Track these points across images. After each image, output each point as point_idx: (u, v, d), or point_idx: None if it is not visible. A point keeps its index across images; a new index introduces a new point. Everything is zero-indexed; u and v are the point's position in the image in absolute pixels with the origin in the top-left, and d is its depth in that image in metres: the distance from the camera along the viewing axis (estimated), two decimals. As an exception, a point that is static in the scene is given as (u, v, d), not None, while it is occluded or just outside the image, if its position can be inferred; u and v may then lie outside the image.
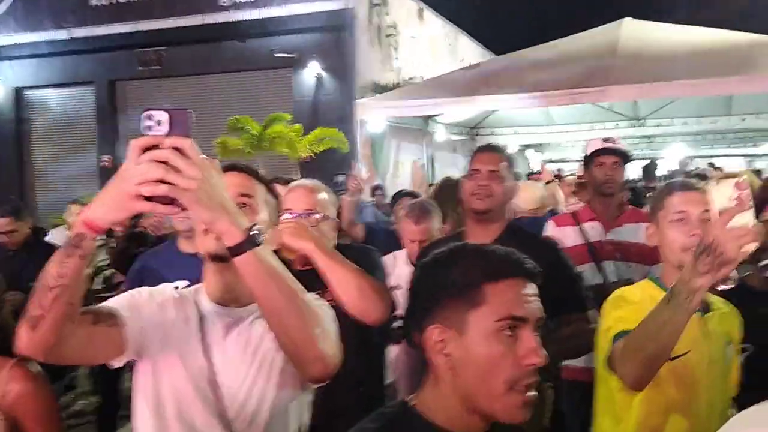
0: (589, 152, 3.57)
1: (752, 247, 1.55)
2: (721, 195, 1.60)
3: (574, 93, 9.16)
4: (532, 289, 1.28)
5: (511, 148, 15.77)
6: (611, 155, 3.50)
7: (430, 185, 5.42)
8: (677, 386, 1.93)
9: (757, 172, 13.44)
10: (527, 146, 18.22)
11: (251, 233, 1.34)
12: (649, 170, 8.16)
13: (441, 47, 19.35)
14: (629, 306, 1.97)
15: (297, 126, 11.79)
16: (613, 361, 1.88)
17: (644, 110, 12.32)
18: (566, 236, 3.46)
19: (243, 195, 1.69)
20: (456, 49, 20.67)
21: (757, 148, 21.90)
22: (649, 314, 1.72)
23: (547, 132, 13.88)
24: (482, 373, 1.22)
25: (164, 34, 14.35)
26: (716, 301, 2.11)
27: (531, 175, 9.80)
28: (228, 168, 1.75)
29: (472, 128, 14.06)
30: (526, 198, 4.80)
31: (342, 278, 2.31)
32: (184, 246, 3.08)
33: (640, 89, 9.02)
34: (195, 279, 1.80)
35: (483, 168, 2.67)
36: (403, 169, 15.77)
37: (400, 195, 5.23)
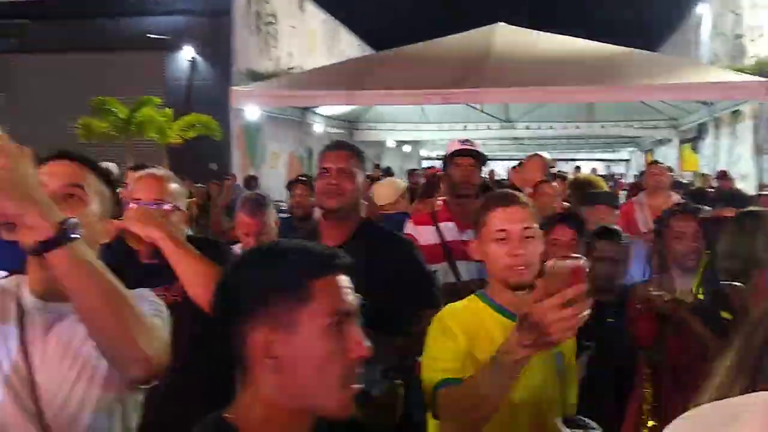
0: (447, 153, 3.65)
1: (574, 330, 1.53)
2: (553, 278, 1.54)
3: (448, 93, 9.37)
4: (348, 282, 1.28)
5: (389, 144, 16.00)
6: (468, 157, 3.58)
7: (306, 176, 5.40)
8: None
9: (611, 176, 14.48)
10: (404, 142, 18.54)
11: (64, 227, 1.26)
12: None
13: (321, 39, 19.31)
14: (456, 335, 1.92)
15: (167, 110, 11.42)
16: (435, 408, 1.87)
17: (514, 113, 12.79)
18: (422, 235, 3.51)
19: (72, 185, 1.60)
20: (336, 43, 20.70)
21: (616, 154, 23.57)
22: (473, 381, 1.72)
23: (423, 130, 14.14)
24: (315, 371, 1.21)
25: (28, 6, 13.50)
26: None
27: None
28: (56, 156, 1.66)
29: (351, 122, 14.10)
30: (384, 194, 4.85)
31: (191, 269, 2.24)
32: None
33: (510, 93, 9.34)
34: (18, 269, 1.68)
35: (332, 166, 2.67)
36: (279, 160, 15.63)
37: (295, 182, 5.24)
